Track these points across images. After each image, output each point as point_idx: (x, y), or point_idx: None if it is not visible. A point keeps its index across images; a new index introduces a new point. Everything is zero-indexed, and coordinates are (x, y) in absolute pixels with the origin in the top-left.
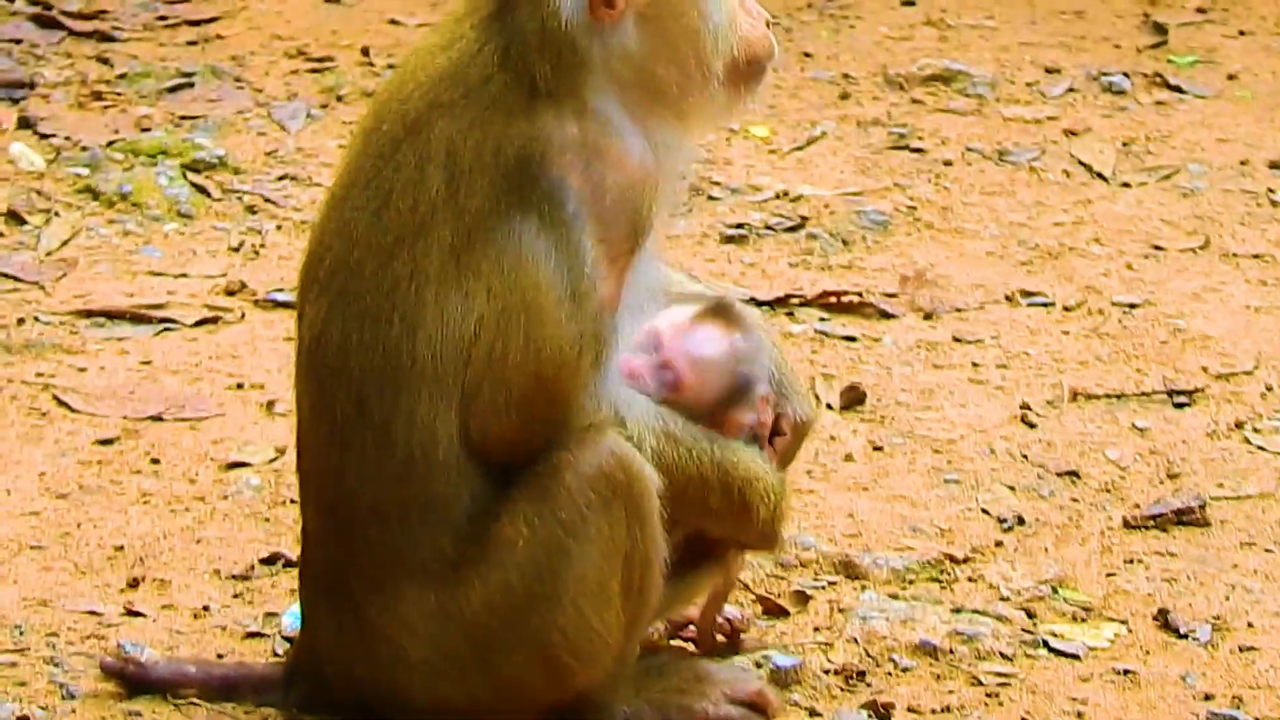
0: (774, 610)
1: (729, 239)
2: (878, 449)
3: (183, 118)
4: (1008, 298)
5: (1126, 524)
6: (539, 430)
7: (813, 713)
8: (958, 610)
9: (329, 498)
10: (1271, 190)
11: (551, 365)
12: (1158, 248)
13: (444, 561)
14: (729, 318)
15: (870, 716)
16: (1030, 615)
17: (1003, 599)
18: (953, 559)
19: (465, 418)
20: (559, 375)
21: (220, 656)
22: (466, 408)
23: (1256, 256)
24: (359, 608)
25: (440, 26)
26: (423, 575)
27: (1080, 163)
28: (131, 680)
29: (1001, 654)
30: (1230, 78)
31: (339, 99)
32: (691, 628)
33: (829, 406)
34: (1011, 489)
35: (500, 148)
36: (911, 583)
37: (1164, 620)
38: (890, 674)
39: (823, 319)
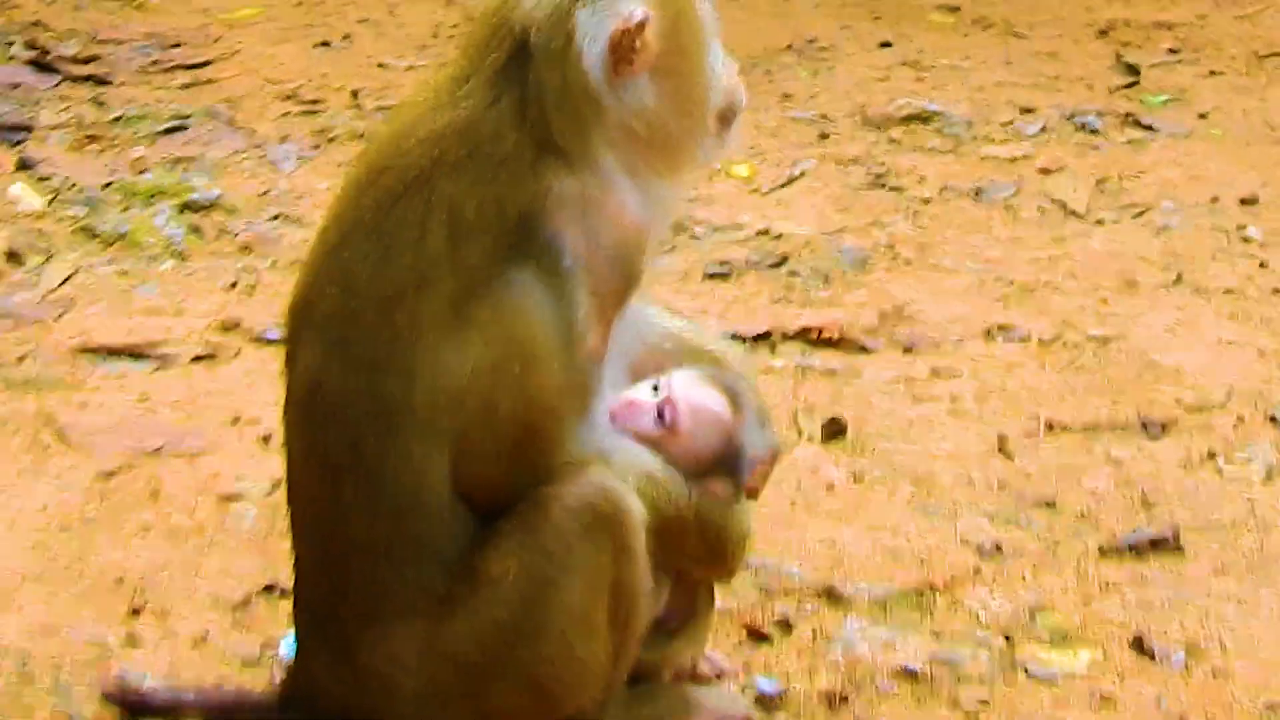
0: (759, 637)
1: (712, 276)
2: (859, 480)
3: (178, 159)
4: (985, 332)
5: (1102, 552)
6: (524, 475)
7: None
8: (938, 636)
9: (321, 535)
10: (1242, 226)
11: (540, 414)
12: (1131, 283)
13: (433, 597)
14: (736, 401)
15: None
16: (1009, 640)
17: (982, 625)
18: (933, 586)
19: (455, 461)
20: (546, 423)
21: (219, 683)
22: (456, 454)
23: (1228, 291)
24: (350, 641)
25: (435, 83)
26: (412, 610)
27: (1055, 200)
28: (133, 708)
29: (981, 678)
30: (1201, 117)
31: (330, 140)
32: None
33: (810, 439)
34: (990, 518)
35: (503, 206)
36: (893, 609)
37: (1139, 645)
38: (872, 698)
39: (804, 353)
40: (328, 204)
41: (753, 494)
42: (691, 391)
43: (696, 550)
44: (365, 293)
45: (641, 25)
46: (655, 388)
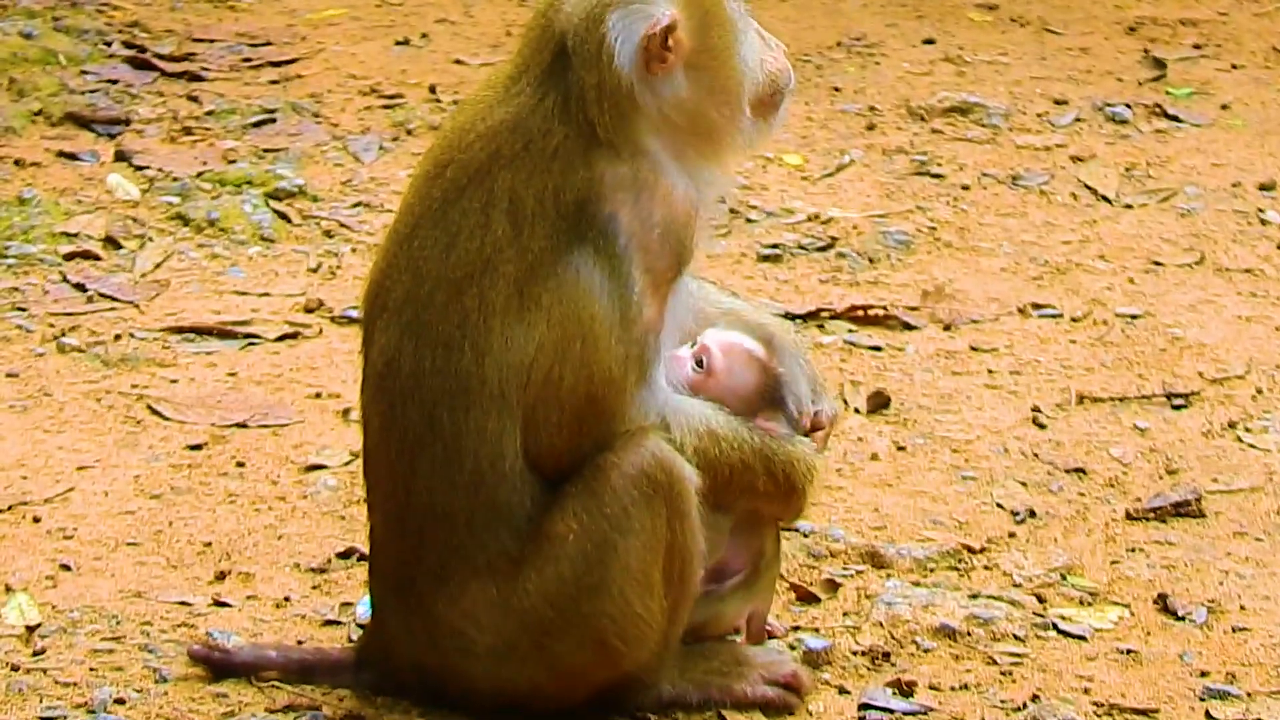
0: (806, 597)
1: (765, 258)
2: (901, 449)
3: (265, 150)
4: (1020, 310)
5: (1129, 516)
6: (588, 443)
7: (842, 690)
8: (974, 596)
9: (397, 505)
10: (1261, 210)
11: (602, 385)
12: (1157, 263)
13: (506, 558)
14: (769, 341)
15: (895, 694)
16: (1041, 600)
17: (1015, 585)
18: (970, 549)
19: (524, 432)
20: (608, 394)
21: (300, 643)
22: (526, 425)
23: (1247, 271)
24: (426, 603)
25: (492, 81)
26: (486, 571)
27: (1086, 186)
28: (217, 666)
29: (1014, 635)
30: (1223, 108)
31: (408, 132)
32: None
33: (856, 410)
34: (1023, 485)
35: (560, 194)
36: (932, 571)
37: (1163, 604)
38: (913, 655)
39: (851, 331)
40: (401, 200)
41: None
42: (722, 335)
43: (768, 488)
44: (435, 277)
45: (671, 27)
46: (693, 344)
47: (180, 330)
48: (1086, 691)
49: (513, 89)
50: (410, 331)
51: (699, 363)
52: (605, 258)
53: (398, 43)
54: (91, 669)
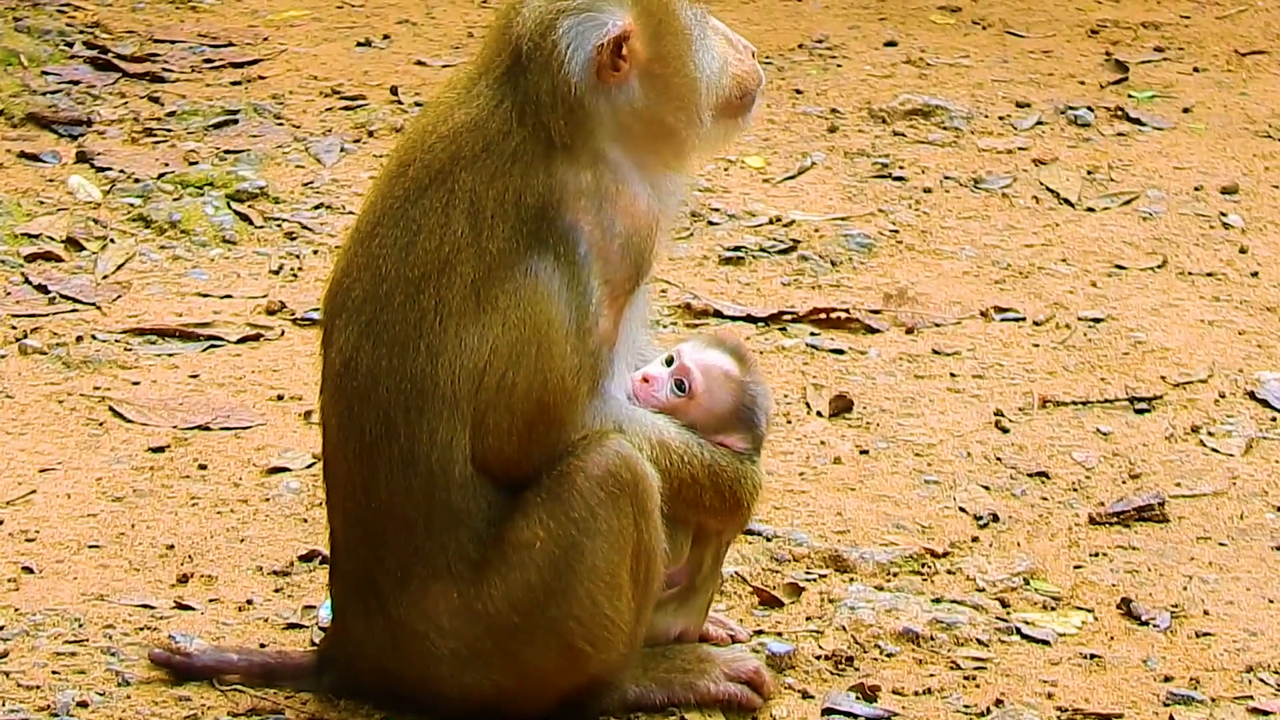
0: (769, 601)
1: (727, 260)
2: (864, 452)
3: (227, 152)
4: (982, 313)
5: (1092, 520)
6: (537, 451)
7: (805, 695)
8: (938, 600)
9: (357, 508)
10: (1223, 214)
11: (554, 393)
12: (1120, 267)
13: (467, 563)
14: (741, 356)
15: (858, 698)
16: (1004, 604)
17: (979, 590)
18: (933, 553)
19: (474, 437)
20: (559, 402)
21: (263, 646)
22: (475, 430)
23: (1210, 274)
24: (387, 606)
25: (454, 83)
26: (447, 575)
27: (1048, 189)
28: (178, 669)
29: (978, 640)
30: (1185, 111)
31: (370, 134)
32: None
33: (819, 414)
34: (987, 489)
35: (521, 197)
36: (895, 575)
37: (1127, 609)
38: (876, 659)
39: (813, 334)
40: (365, 197)
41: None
42: (701, 356)
43: (713, 503)
44: (394, 276)
45: (623, 36)
46: (668, 361)
47: (142, 332)
48: (1050, 696)
49: (472, 91)
50: (368, 331)
51: (679, 385)
52: (565, 265)
53: (359, 44)
54: (54, 672)
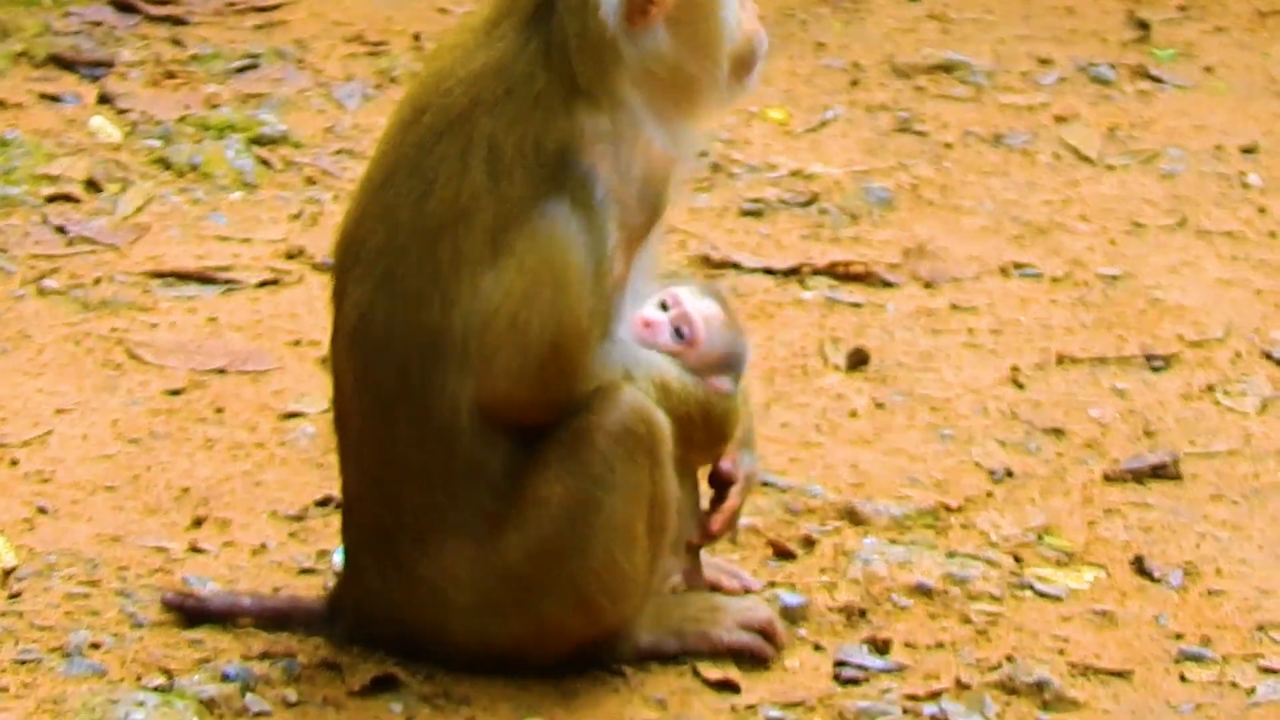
0: (783, 553)
1: (747, 213)
2: (880, 406)
3: (249, 96)
4: (1000, 269)
5: (1106, 477)
6: (550, 394)
7: (818, 647)
8: (951, 555)
9: (373, 462)
10: (1243, 173)
11: (568, 335)
12: (1138, 225)
13: (484, 516)
14: (724, 302)
15: (870, 651)
16: (1017, 560)
17: (992, 545)
18: (947, 508)
19: (482, 381)
20: (572, 345)
21: (276, 590)
22: (482, 372)
23: (1228, 234)
24: (403, 559)
25: (470, 25)
26: (464, 529)
27: (1069, 146)
28: (191, 613)
29: (990, 595)
30: (1207, 70)
31: (392, 80)
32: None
33: (836, 367)
34: (1002, 444)
35: (540, 143)
36: (909, 529)
37: (1139, 566)
38: (889, 612)
39: (831, 287)
40: (376, 142)
41: (734, 518)
42: (699, 304)
43: (702, 439)
44: (410, 227)
45: None
46: (663, 305)
47: (161, 275)
48: (1061, 652)
49: (494, 33)
50: (384, 285)
51: (679, 332)
52: (582, 209)
53: None
54: (67, 613)
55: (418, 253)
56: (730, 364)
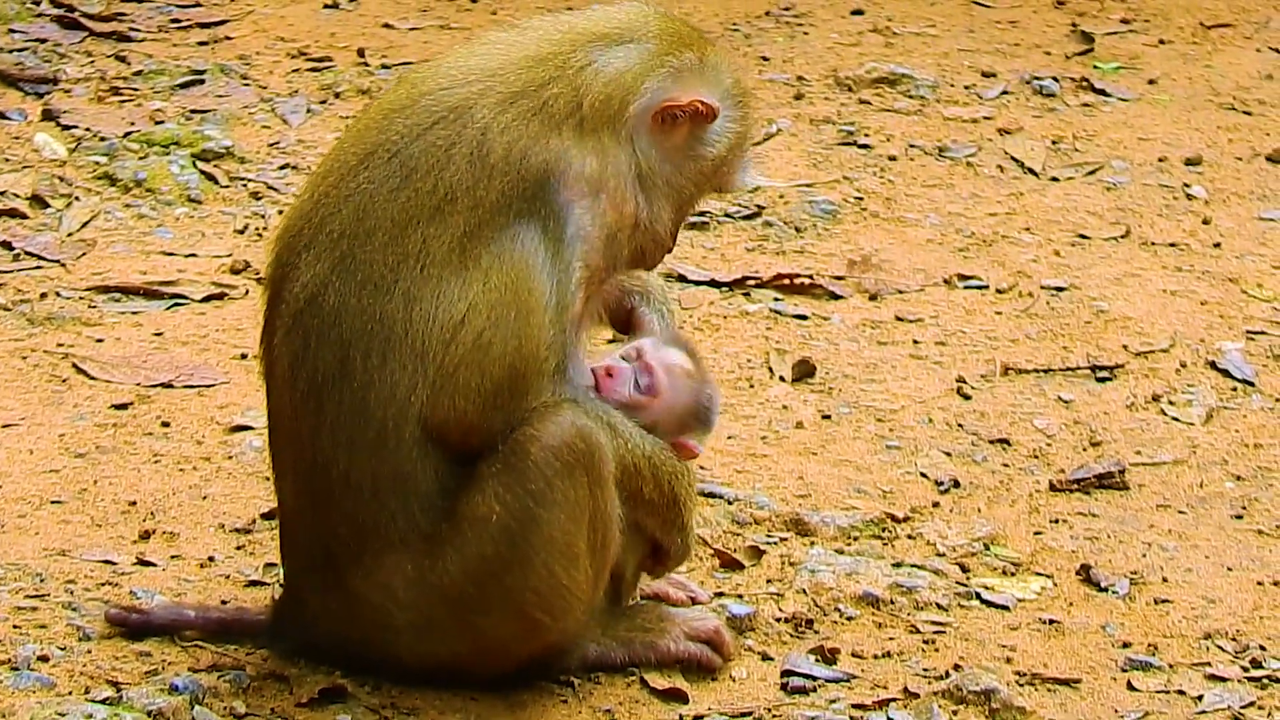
0: (730, 564)
1: (692, 225)
2: (826, 417)
3: (193, 111)
4: (946, 281)
5: (1053, 487)
6: (497, 419)
7: (765, 656)
8: (898, 565)
9: (304, 467)
10: (1187, 185)
11: (526, 361)
12: (1083, 236)
13: (418, 534)
14: (694, 354)
15: (818, 660)
16: (964, 570)
17: (939, 555)
18: (894, 518)
19: (436, 393)
20: (528, 372)
21: (224, 603)
22: (441, 384)
23: (1173, 245)
24: (343, 578)
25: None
26: (400, 547)
27: (1013, 159)
28: (135, 627)
29: (938, 604)
30: (1150, 82)
31: (336, 95)
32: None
33: (782, 379)
34: (948, 455)
35: (526, 157)
36: (856, 539)
37: (1086, 575)
38: (836, 622)
39: (777, 299)
40: (352, 124)
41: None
42: (662, 354)
43: (652, 496)
44: (379, 215)
45: (697, 111)
46: (625, 357)
47: (106, 290)
48: (1009, 661)
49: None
50: (341, 267)
51: (637, 382)
52: (551, 240)
53: (326, 5)
54: (15, 626)
55: (383, 240)
56: (699, 419)
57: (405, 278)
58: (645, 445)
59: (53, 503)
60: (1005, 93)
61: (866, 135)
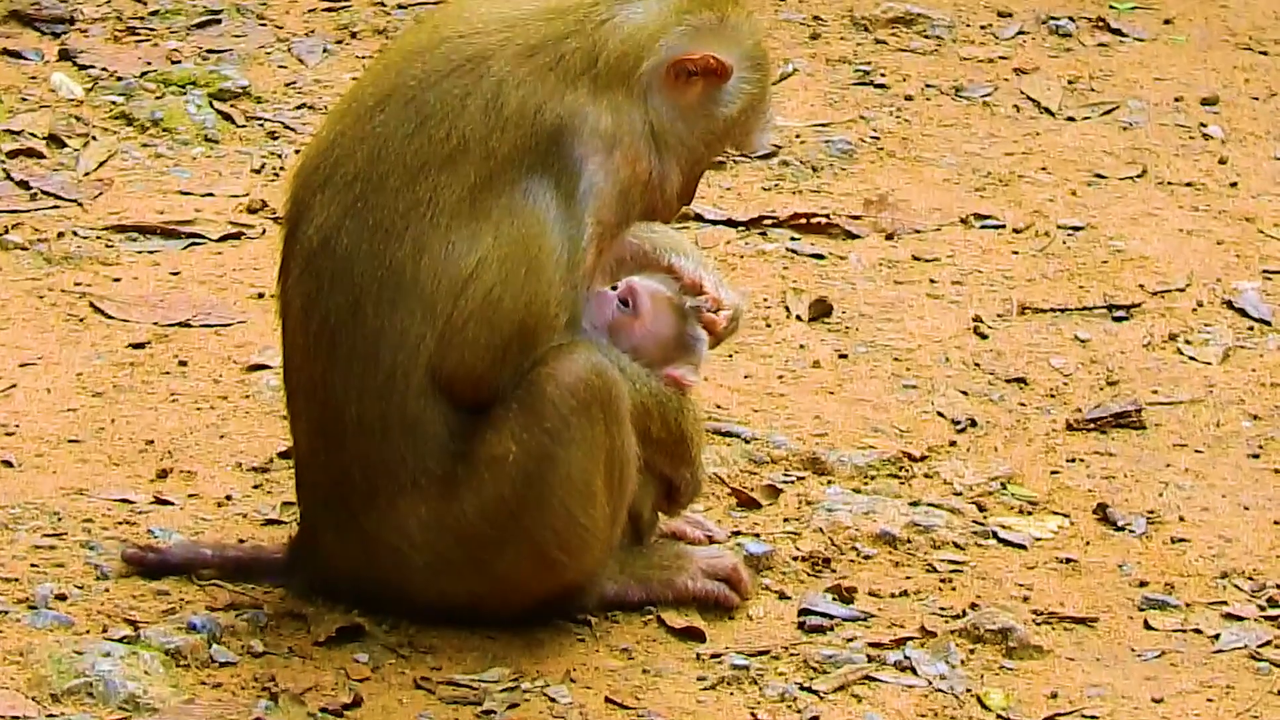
0: (747, 503)
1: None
2: (843, 357)
3: (210, 51)
4: (962, 220)
5: (1069, 426)
6: (505, 373)
7: (782, 595)
8: (915, 503)
9: (317, 412)
10: (1203, 124)
11: (536, 317)
12: (1099, 176)
13: (431, 477)
14: (677, 294)
15: (834, 599)
16: (981, 509)
17: (956, 494)
18: (911, 457)
19: (445, 345)
20: (538, 328)
21: (241, 541)
22: (450, 337)
23: (1189, 184)
24: (358, 519)
25: None
26: (413, 490)
27: (1029, 99)
28: (151, 567)
29: (954, 544)
30: (1166, 22)
31: (353, 35)
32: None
33: (798, 318)
34: (965, 394)
35: (542, 109)
36: (873, 478)
37: (1103, 514)
38: (853, 561)
39: (793, 239)
40: (368, 66)
41: (717, 339)
42: (647, 282)
43: (660, 434)
44: (393, 159)
45: (708, 66)
46: (614, 286)
47: (123, 229)
48: (1025, 600)
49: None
50: (354, 211)
51: (624, 303)
52: (563, 195)
53: None
54: (33, 565)
55: (396, 185)
56: (685, 348)
57: (415, 225)
58: (651, 383)
59: (70, 441)
60: (1021, 32)
61: (883, 75)
